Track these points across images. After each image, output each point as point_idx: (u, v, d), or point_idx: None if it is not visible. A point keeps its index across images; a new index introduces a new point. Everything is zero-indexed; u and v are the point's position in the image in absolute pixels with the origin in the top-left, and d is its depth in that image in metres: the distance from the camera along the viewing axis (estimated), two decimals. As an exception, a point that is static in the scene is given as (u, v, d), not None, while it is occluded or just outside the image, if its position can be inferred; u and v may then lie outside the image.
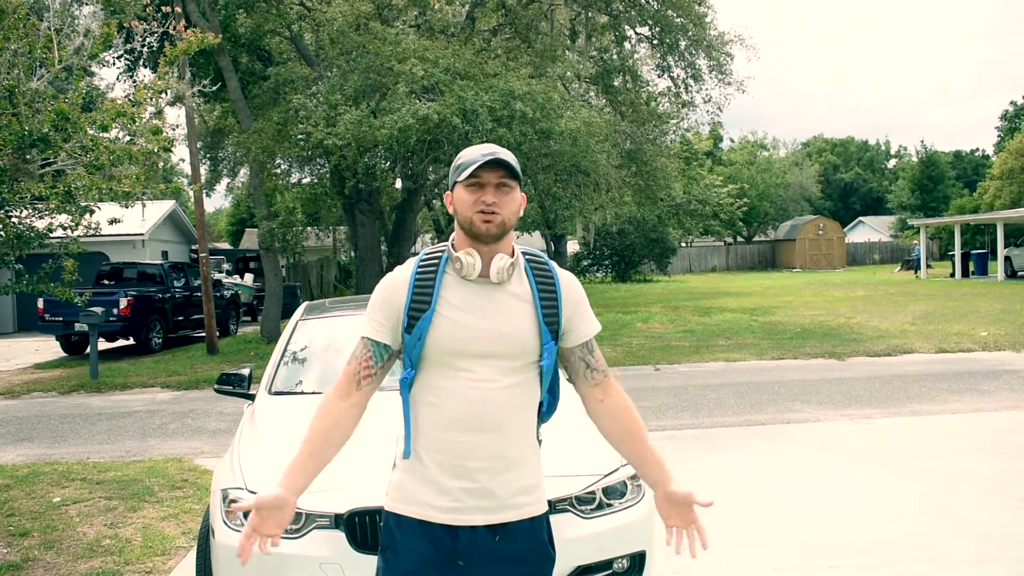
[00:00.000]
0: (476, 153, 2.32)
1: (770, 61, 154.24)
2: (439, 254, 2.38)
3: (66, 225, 7.32)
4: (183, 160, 48.36)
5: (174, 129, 7.94)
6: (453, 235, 2.42)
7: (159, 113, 8.13)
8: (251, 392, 5.09)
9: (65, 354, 17.90)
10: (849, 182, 79.37)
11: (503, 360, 2.30)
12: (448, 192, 2.43)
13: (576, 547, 3.47)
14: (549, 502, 3.42)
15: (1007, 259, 32.77)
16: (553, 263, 2.45)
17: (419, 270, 2.36)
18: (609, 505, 3.63)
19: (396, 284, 2.37)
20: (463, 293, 2.32)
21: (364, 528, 3.37)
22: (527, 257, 2.42)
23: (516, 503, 2.34)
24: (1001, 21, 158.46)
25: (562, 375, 2.49)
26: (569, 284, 2.44)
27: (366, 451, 3.18)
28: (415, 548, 2.30)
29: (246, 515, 3.44)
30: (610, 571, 3.59)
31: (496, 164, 2.29)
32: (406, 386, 2.34)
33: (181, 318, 19.09)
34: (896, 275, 40.48)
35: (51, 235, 7.39)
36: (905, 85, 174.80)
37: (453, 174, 2.37)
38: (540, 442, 2.49)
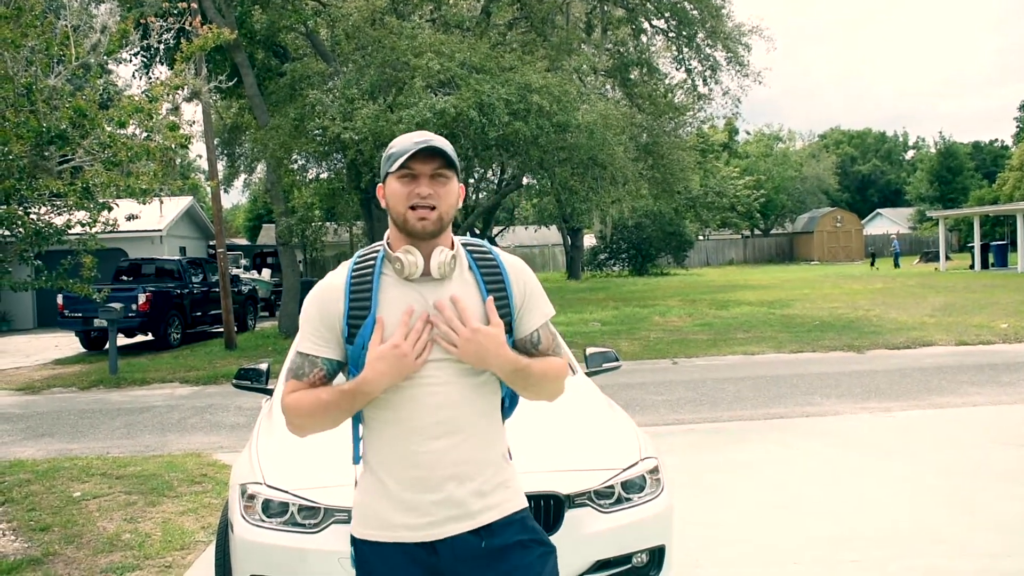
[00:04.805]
0: (408, 141, 2.12)
1: (785, 53, 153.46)
2: (374, 254, 2.20)
3: (84, 222, 7.36)
4: (200, 156, 48.69)
5: (191, 125, 7.97)
6: (388, 232, 2.23)
7: (176, 109, 8.16)
8: (269, 387, 5.09)
9: (84, 350, 18.02)
10: (867, 174, 78.84)
11: (457, 361, 2.11)
12: (380, 184, 2.22)
13: (595, 541, 3.46)
14: (568, 496, 3.46)
15: (1028, 250, 32.51)
16: (497, 250, 2.27)
17: (354, 274, 2.17)
18: (628, 499, 3.61)
19: (331, 292, 2.18)
20: (404, 294, 2.13)
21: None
22: (468, 248, 2.24)
23: (490, 504, 2.16)
24: (1018, 7, 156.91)
25: None
26: (516, 270, 2.23)
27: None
28: (396, 573, 2.15)
29: (264, 510, 3.44)
30: (629, 565, 3.58)
31: (430, 152, 2.10)
32: None
33: (199, 313, 19.19)
34: (915, 267, 40.25)
35: (69, 232, 7.43)
36: (922, 75, 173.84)
37: (384, 164, 2.16)
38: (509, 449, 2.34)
